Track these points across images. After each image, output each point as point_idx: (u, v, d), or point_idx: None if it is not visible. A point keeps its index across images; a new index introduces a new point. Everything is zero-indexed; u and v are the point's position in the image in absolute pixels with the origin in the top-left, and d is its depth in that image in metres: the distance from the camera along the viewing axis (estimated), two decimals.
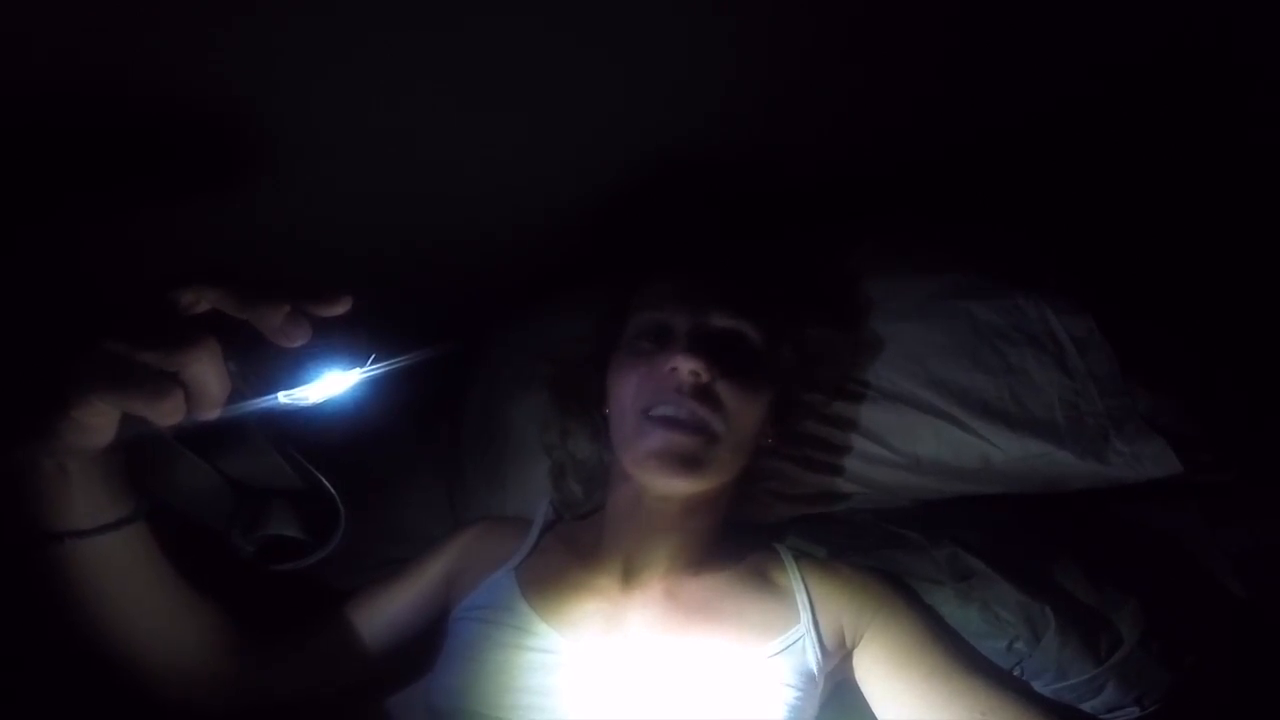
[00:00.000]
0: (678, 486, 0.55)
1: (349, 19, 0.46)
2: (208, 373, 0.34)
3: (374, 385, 0.40)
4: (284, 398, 0.38)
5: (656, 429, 0.54)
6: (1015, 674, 0.56)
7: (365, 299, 0.36)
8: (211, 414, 0.36)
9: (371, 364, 0.40)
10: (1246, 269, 0.72)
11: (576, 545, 0.63)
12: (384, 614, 0.61)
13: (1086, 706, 0.56)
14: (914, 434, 0.63)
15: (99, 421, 0.37)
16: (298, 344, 0.36)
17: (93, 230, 0.54)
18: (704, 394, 0.55)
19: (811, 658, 0.54)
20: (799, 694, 0.52)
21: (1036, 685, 0.56)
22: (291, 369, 0.38)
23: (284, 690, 0.57)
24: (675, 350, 0.55)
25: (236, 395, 0.37)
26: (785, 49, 0.61)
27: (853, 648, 0.56)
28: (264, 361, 0.38)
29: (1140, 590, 0.57)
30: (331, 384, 0.38)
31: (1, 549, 0.42)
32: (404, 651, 0.62)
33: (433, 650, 0.60)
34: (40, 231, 0.52)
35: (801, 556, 0.62)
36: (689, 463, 0.54)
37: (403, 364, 0.41)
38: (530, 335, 0.74)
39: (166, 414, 0.34)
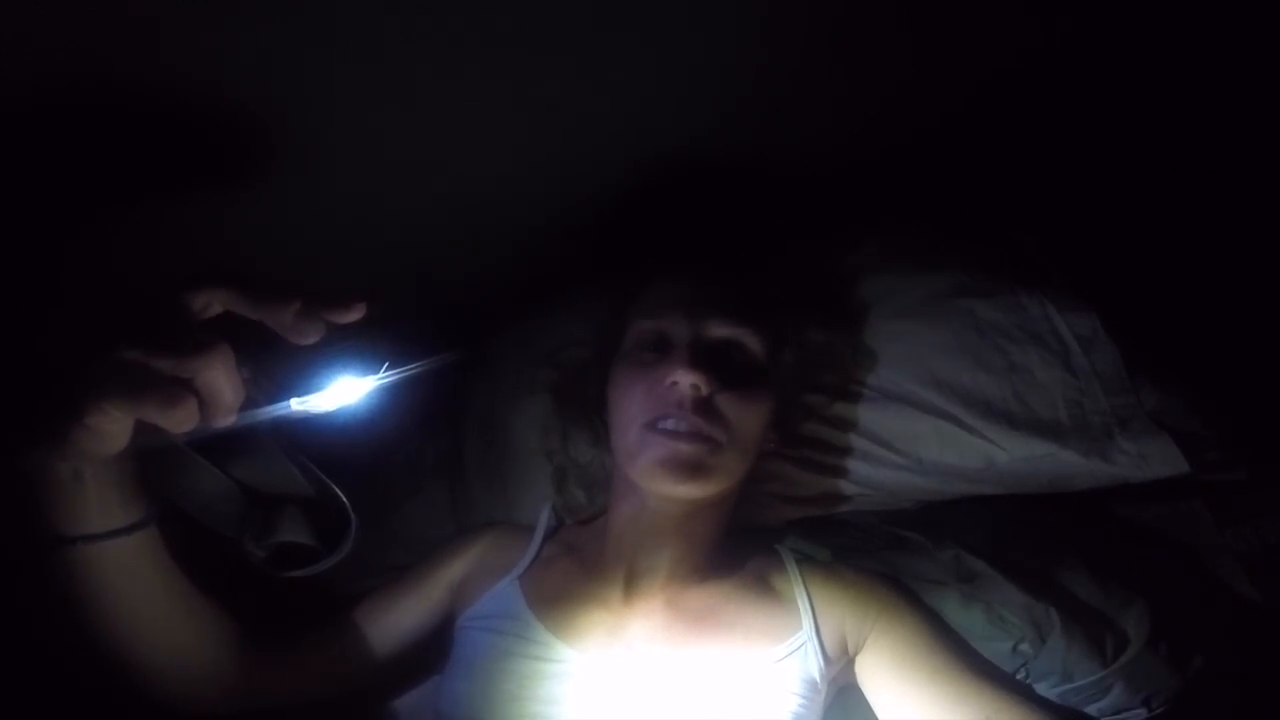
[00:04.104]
0: (682, 492, 0.55)
1: (358, 21, 0.46)
2: (221, 380, 0.35)
3: (380, 391, 0.40)
4: (297, 405, 0.38)
5: (660, 439, 0.55)
6: (1020, 676, 0.56)
7: (380, 304, 0.37)
8: (225, 421, 0.36)
9: (384, 371, 0.40)
10: (1254, 265, 0.72)
11: (580, 553, 0.63)
12: (389, 620, 0.62)
13: (1093, 709, 0.56)
14: (916, 435, 0.63)
15: (113, 428, 0.37)
16: (310, 341, 0.36)
17: (106, 235, 0.54)
18: (705, 407, 0.55)
19: (814, 664, 0.54)
20: (802, 701, 0.52)
21: (1042, 687, 0.56)
22: (305, 376, 0.38)
23: (289, 694, 0.58)
24: (675, 363, 0.55)
25: (250, 402, 0.37)
26: (784, 51, 0.61)
27: (855, 653, 0.56)
28: (277, 368, 0.38)
29: (1147, 591, 0.57)
30: (344, 391, 0.38)
31: (14, 551, 0.42)
32: (408, 656, 0.62)
33: (437, 654, 0.61)
34: (54, 236, 0.53)
35: (804, 560, 0.62)
36: (694, 469, 0.54)
37: (415, 371, 0.41)
38: (530, 339, 0.74)
39: (180, 421, 0.34)
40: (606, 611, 0.57)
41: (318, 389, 0.38)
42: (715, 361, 0.56)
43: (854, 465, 0.65)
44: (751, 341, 0.59)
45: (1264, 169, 0.74)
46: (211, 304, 0.36)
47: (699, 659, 0.53)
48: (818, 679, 0.54)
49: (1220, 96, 0.75)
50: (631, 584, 0.59)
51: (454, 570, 0.65)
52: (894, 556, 0.62)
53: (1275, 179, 0.72)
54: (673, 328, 0.59)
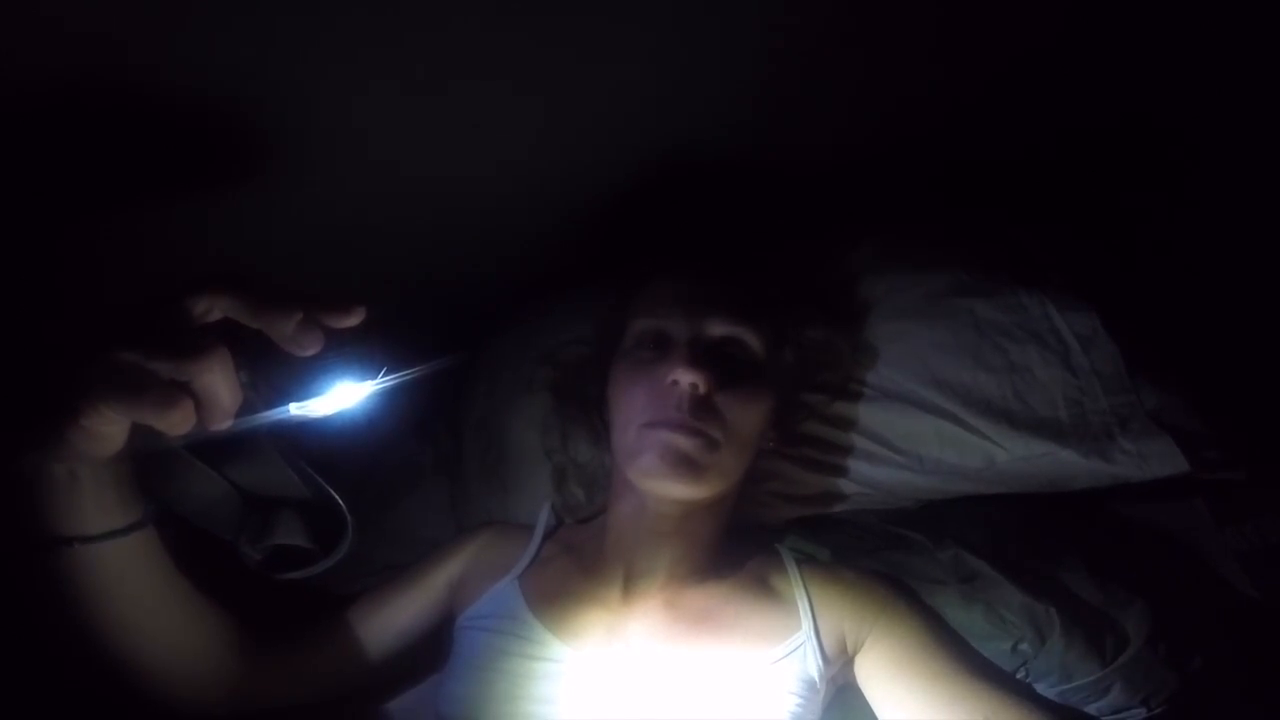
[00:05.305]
0: (680, 491, 0.55)
1: (355, 20, 0.46)
2: (219, 383, 0.34)
3: (379, 394, 0.40)
4: (295, 409, 0.38)
5: (658, 433, 0.54)
6: (1020, 676, 0.56)
7: (378, 309, 0.36)
8: (222, 424, 0.36)
9: (383, 376, 0.39)
10: (1254, 266, 0.72)
11: (579, 553, 0.63)
12: (387, 619, 0.62)
13: (1093, 708, 0.56)
14: (916, 434, 0.63)
15: (109, 430, 0.37)
16: (310, 353, 0.36)
17: (105, 236, 0.54)
18: (704, 406, 0.55)
19: (813, 665, 0.54)
20: (801, 701, 0.52)
21: (1042, 687, 0.56)
22: (303, 380, 0.38)
23: (289, 694, 0.58)
24: (675, 362, 0.55)
25: (247, 406, 0.37)
26: (785, 51, 0.61)
27: (855, 653, 0.56)
28: (275, 372, 0.38)
29: (1146, 590, 0.57)
30: (342, 396, 0.38)
31: (11, 552, 0.42)
32: (407, 655, 0.62)
33: (435, 655, 0.61)
34: (51, 237, 0.53)
35: (804, 560, 0.62)
36: (691, 467, 0.54)
37: (414, 376, 0.41)
38: (530, 339, 0.74)
39: (176, 424, 0.34)
40: (605, 612, 0.57)
41: (316, 393, 0.38)
42: (715, 360, 0.56)
43: (854, 464, 0.65)
44: (751, 340, 0.59)
45: (1265, 172, 0.74)
46: (212, 309, 0.36)
47: (697, 659, 0.53)
48: (816, 679, 0.54)
49: (1222, 99, 0.74)
50: (630, 584, 0.59)
51: (453, 569, 0.65)
52: (894, 556, 0.62)
53: (1275, 182, 0.72)
54: (672, 326, 0.59)
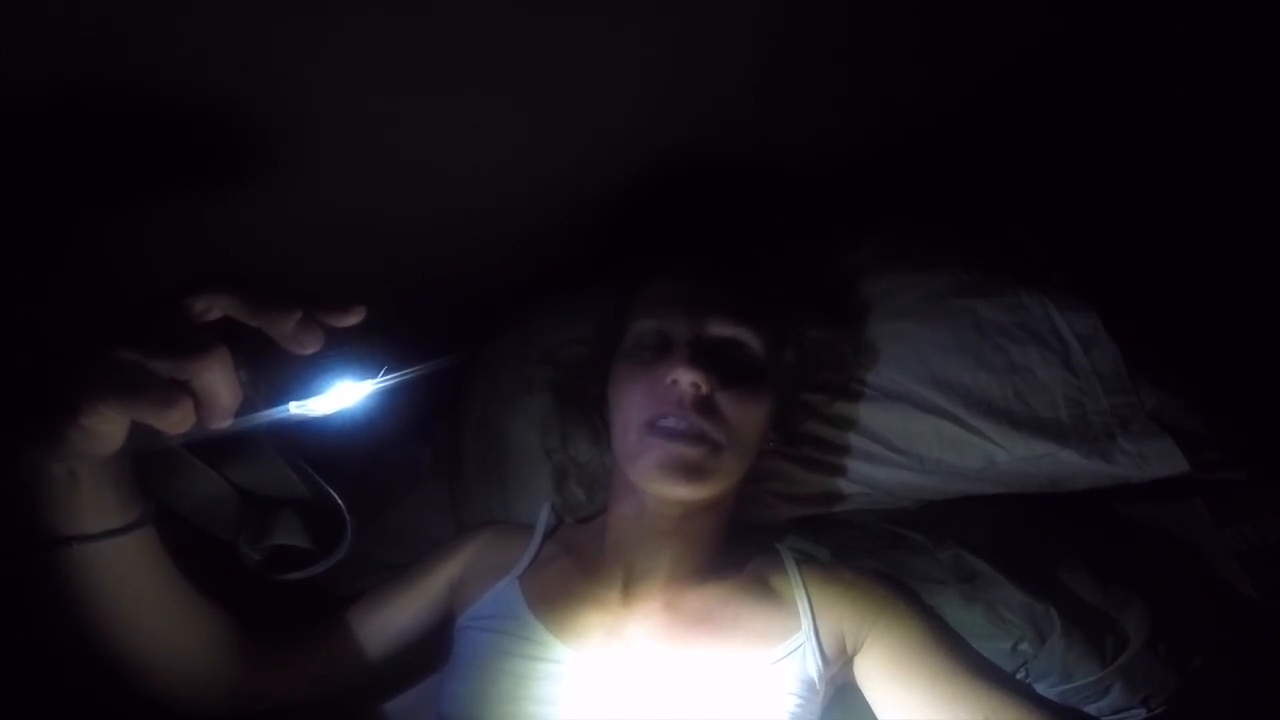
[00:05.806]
0: (682, 494, 0.55)
1: (355, 19, 0.46)
2: (218, 382, 0.34)
3: (379, 393, 0.40)
4: (294, 408, 0.38)
5: (659, 440, 0.54)
6: (1020, 676, 0.56)
7: (378, 309, 0.36)
8: (222, 423, 0.36)
9: (383, 376, 0.39)
10: (1254, 266, 0.72)
11: (579, 553, 0.63)
12: (387, 619, 0.62)
13: (1093, 708, 0.56)
14: (916, 434, 0.63)
15: (108, 429, 0.36)
16: (309, 351, 0.36)
17: (104, 235, 0.54)
18: (705, 406, 0.55)
19: (812, 665, 0.54)
20: (800, 701, 0.52)
21: (1042, 687, 0.56)
22: (302, 379, 0.38)
23: (287, 694, 0.58)
24: (675, 361, 0.55)
25: (247, 405, 0.37)
26: (786, 51, 0.61)
27: (854, 653, 0.56)
28: (275, 371, 0.38)
29: (1146, 590, 0.57)
30: (342, 395, 0.38)
31: (10, 551, 0.42)
32: (407, 655, 0.62)
33: (435, 655, 0.61)
34: (51, 236, 0.53)
35: (804, 560, 0.62)
36: (693, 471, 0.54)
37: (414, 375, 0.41)
38: (529, 339, 0.74)
39: (176, 423, 0.34)
40: (605, 612, 0.57)
41: (316, 392, 0.38)
42: (716, 360, 0.56)
43: (854, 464, 0.65)
44: (752, 340, 0.59)
45: (1265, 172, 0.74)
46: (212, 308, 0.36)
47: (697, 660, 0.53)
48: (816, 679, 0.54)
49: (1222, 100, 0.74)
50: (630, 585, 0.59)
51: (453, 569, 0.65)
52: (894, 555, 0.62)
53: (1275, 182, 0.72)
54: (673, 326, 0.59)
